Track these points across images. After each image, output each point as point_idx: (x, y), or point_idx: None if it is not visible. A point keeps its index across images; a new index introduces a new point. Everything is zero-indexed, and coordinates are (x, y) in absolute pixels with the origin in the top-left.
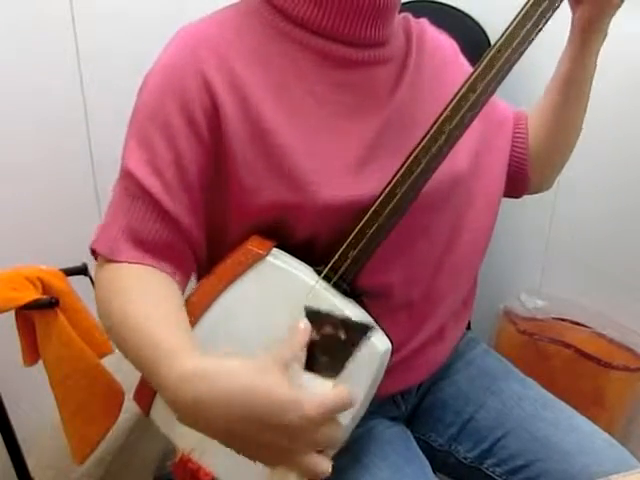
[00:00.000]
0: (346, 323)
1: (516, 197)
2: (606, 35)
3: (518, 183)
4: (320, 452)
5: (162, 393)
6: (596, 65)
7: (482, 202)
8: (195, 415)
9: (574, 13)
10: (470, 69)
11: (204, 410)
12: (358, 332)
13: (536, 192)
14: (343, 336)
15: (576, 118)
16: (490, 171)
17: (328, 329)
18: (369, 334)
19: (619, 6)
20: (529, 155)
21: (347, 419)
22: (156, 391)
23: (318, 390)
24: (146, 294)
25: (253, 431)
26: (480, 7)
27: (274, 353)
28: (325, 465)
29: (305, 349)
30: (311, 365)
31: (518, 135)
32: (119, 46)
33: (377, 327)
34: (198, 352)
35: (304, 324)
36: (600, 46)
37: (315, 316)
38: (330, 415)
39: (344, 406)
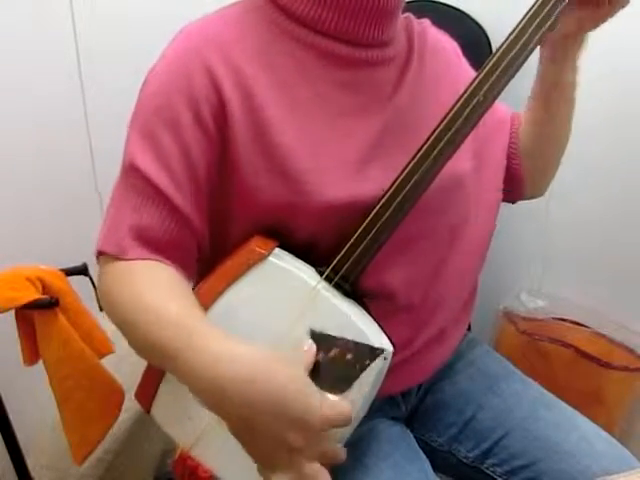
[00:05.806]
0: (355, 345)
1: (512, 201)
2: (585, 45)
3: (514, 186)
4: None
5: (195, 371)
6: (577, 73)
7: (483, 204)
8: (230, 395)
9: None
10: (472, 71)
11: (247, 392)
12: (367, 355)
13: (530, 197)
14: (350, 357)
15: (561, 126)
16: (489, 170)
17: (335, 351)
18: (380, 356)
19: (604, 20)
20: (521, 158)
21: None
22: (159, 385)
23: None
24: (160, 282)
25: (276, 422)
26: (480, 7)
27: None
28: (325, 477)
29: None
30: (316, 383)
31: (513, 137)
32: (119, 46)
33: (387, 349)
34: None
35: (309, 346)
36: (581, 54)
37: (321, 338)
38: (330, 425)
39: (343, 421)
